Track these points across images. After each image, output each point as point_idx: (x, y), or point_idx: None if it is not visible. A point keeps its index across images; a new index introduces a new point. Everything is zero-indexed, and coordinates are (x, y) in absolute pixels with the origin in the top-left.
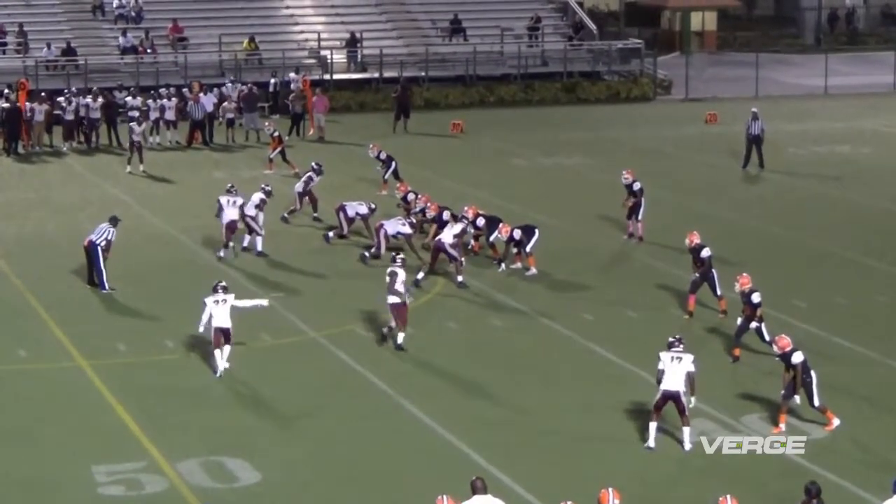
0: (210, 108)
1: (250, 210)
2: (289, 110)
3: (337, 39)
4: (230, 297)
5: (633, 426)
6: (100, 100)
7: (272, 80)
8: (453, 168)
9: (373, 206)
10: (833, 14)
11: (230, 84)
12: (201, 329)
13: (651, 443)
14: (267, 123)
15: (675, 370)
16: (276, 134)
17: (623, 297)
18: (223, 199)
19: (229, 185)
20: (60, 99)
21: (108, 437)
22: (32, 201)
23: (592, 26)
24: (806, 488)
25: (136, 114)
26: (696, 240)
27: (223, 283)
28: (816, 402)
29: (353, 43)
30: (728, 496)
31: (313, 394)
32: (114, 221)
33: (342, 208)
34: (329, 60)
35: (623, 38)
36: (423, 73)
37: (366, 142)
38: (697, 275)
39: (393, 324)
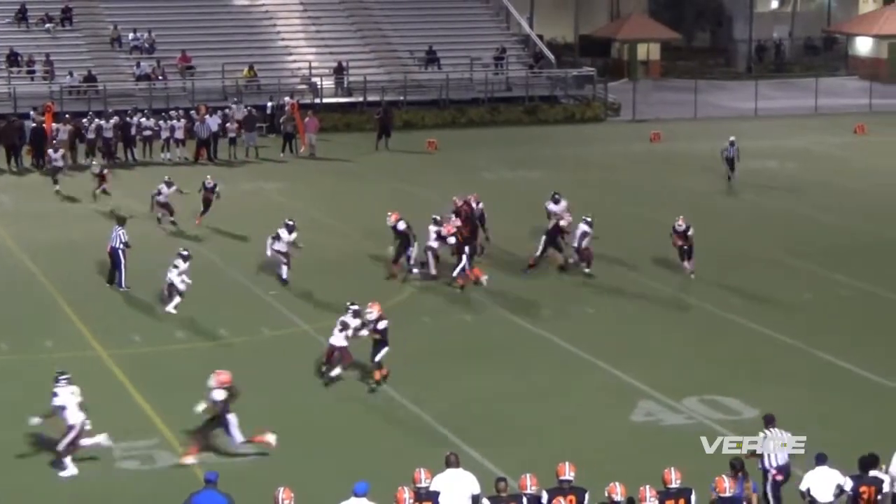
0: (215, 128)
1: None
2: (281, 130)
3: (326, 67)
4: None
5: (588, 408)
6: (112, 121)
7: (269, 104)
8: (429, 181)
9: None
10: (762, 45)
11: (234, 105)
12: None
13: None
14: (94, 161)
15: None
16: (103, 172)
17: (578, 294)
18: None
19: (166, 177)
20: (84, 120)
21: (124, 418)
22: (58, 210)
23: (551, 56)
24: (731, 463)
25: (65, 137)
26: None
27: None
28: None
29: (340, 71)
30: (672, 468)
31: (306, 378)
32: (122, 221)
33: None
34: (319, 86)
35: (578, 66)
36: (402, 97)
37: (353, 158)
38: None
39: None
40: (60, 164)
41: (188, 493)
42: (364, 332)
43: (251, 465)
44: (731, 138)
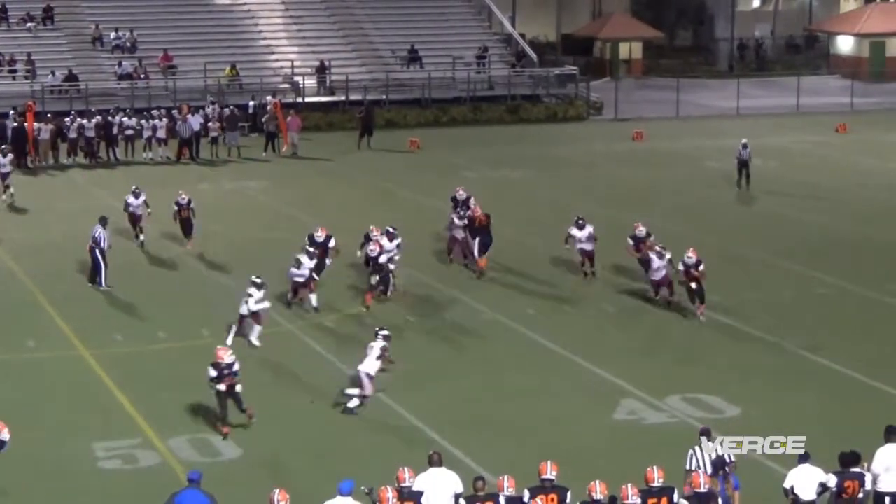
0: (197, 128)
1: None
2: (263, 129)
3: (308, 67)
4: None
5: (571, 407)
6: (94, 120)
7: (251, 103)
8: (411, 180)
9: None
10: (743, 44)
11: (210, 107)
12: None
13: None
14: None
15: None
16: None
17: (561, 294)
18: (129, 199)
19: (134, 186)
20: (67, 119)
21: (106, 417)
22: (39, 210)
23: (533, 55)
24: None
25: (46, 136)
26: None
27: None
28: None
29: (322, 70)
30: (654, 467)
31: (289, 378)
32: (103, 222)
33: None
34: (301, 85)
35: (560, 65)
36: (384, 97)
37: (335, 157)
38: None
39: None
40: (8, 169)
41: (171, 492)
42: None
43: (237, 466)
44: (744, 140)
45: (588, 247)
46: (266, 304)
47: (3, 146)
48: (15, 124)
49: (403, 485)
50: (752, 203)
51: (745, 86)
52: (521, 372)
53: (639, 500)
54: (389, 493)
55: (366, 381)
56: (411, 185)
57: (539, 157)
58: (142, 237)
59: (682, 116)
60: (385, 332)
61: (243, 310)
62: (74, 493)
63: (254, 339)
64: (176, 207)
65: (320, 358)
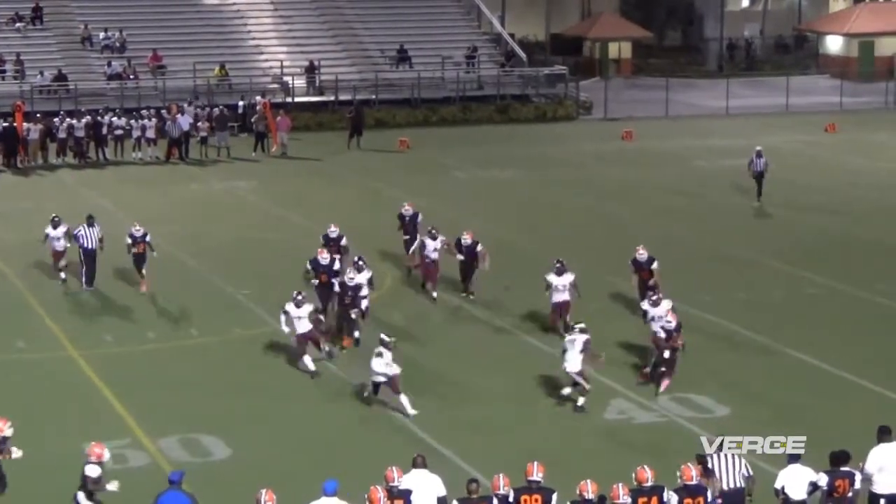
0: (186, 127)
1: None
2: (252, 129)
3: (297, 67)
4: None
5: (561, 407)
6: (84, 120)
7: (240, 103)
8: (400, 180)
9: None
10: (733, 44)
11: (189, 106)
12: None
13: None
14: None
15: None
16: None
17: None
18: (49, 230)
19: (54, 216)
20: (56, 120)
21: (96, 418)
22: (29, 210)
23: (522, 55)
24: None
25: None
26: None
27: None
28: None
29: (311, 70)
30: (645, 466)
31: (280, 379)
32: (90, 221)
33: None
34: (291, 85)
35: (549, 65)
36: (373, 96)
37: (324, 157)
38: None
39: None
40: None
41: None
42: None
43: (227, 466)
44: (758, 148)
45: (563, 298)
46: (397, 369)
47: None
48: (6, 124)
49: (392, 484)
50: (742, 203)
51: (734, 85)
52: (510, 372)
53: (629, 500)
54: (380, 493)
55: (579, 378)
56: (401, 185)
57: (529, 157)
58: (63, 275)
59: (672, 116)
60: (581, 326)
61: (378, 377)
62: (64, 494)
63: (409, 409)
64: (129, 241)
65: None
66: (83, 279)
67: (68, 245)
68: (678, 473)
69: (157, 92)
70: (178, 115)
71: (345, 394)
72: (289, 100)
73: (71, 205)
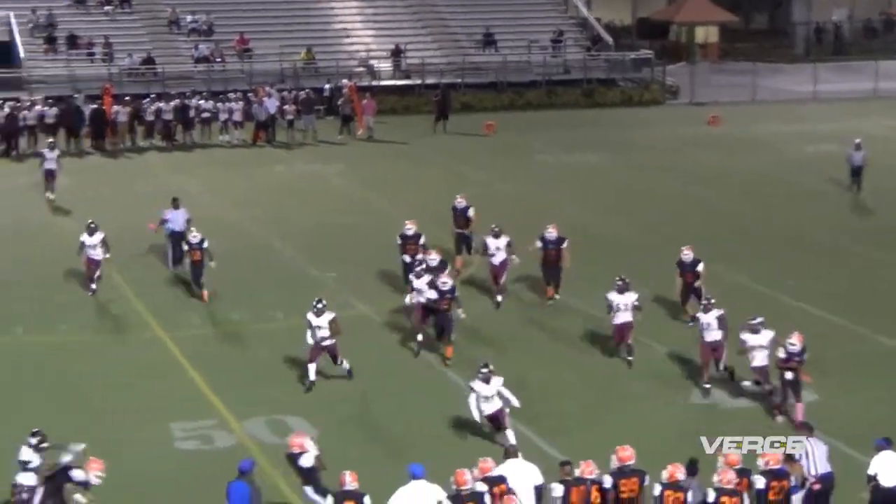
0: (273, 110)
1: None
2: (338, 112)
3: (384, 50)
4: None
5: (647, 391)
6: (172, 103)
7: (327, 86)
8: (486, 163)
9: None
10: (821, 28)
11: (274, 91)
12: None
13: None
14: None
15: None
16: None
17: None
18: (85, 238)
19: (90, 222)
20: (144, 102)
21: (183, 399)
22: (117, 192)
23: (608, 39)
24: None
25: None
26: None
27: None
28: None
29: (397, 53)
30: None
31: (365, 362)
32: (176, 204)
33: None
34: (377, 69)
35: (636, 49)
36: (459, 80)
37: (410, 140)
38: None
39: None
40: (54, 166)
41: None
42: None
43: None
44: (857, 140)
45: (626, 318)
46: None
47: (50, 140)
48: (94, 106)
49: (488, 474)
50: (829, 188)
51: (822, 70)
52: (599, 355)
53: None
54: (468, 475)
55: (765, 373)
56: (486, 169)
57: (614, 141)
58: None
59: (759, 101)
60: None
61: (486, 407)
62: (153, 474)
63: (510, 438)
64: (186, 247)
65: (396, 343)
66: (169, 260)
67: (107, 255)
68: (759, 456)
69: (244, 75)
70: (265, 99)
71: (429, 380)
72: (375, 83)
73: (157, 187)
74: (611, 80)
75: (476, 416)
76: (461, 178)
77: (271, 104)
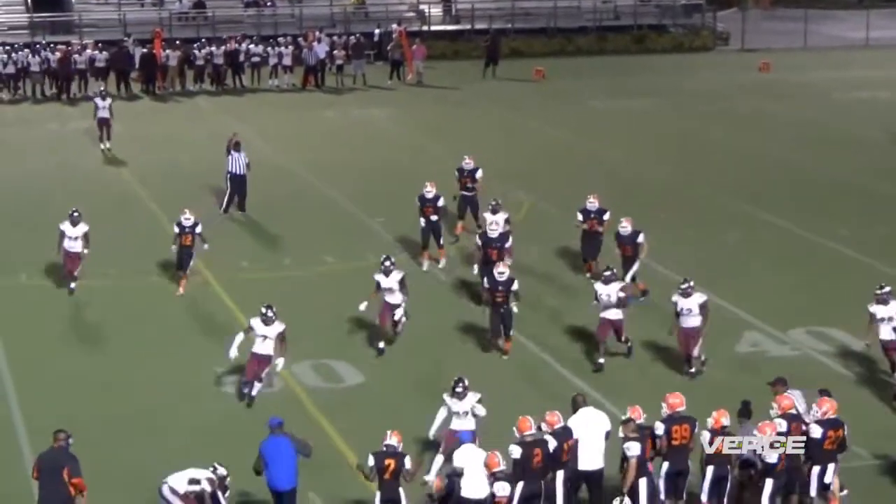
0: (322, 55)
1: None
2: (388, 57)
3: None
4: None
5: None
6: (222, 48)
7: (377, 31)
8: (536, 109)
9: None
10: None
11: (324, 36)
12: None
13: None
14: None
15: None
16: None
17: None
18: (66, 227)
19: (73, 210)
20: (194, 46)
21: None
22: (167, 136)
23: None
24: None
25: (174, 63)
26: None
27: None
28: None
29: None
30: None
31: (413, 307)
32: (237, 147)
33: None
34: (427, 14)
35: None
36: (510, 25)
37: (460, 85)
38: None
39: None
40: (107, 114)
41: (291, 417)
42: None
43: (357, 393)
44: None
45: (694, 323)
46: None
47: (102, 87)
48: (144, 51)
49: (557, 426)
50: (880, 136)
51: (874, 17)
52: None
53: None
54: (530, 422)
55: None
56: (536, 115)
57: (665, 88)
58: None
59: (810, 47)
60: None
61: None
62: (200, 416)
63: None
64: (176, 230)
65: (450, 289)
66: (224, 204)
67: (86, 251)
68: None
69: (294, 20)
70: (315, 43)
71: (479, 330)
72: (425, 28)
73: (208, 131)
74: (661, 25)
75: (432, 432)
76: (511, 123)
77: (321, 49)
